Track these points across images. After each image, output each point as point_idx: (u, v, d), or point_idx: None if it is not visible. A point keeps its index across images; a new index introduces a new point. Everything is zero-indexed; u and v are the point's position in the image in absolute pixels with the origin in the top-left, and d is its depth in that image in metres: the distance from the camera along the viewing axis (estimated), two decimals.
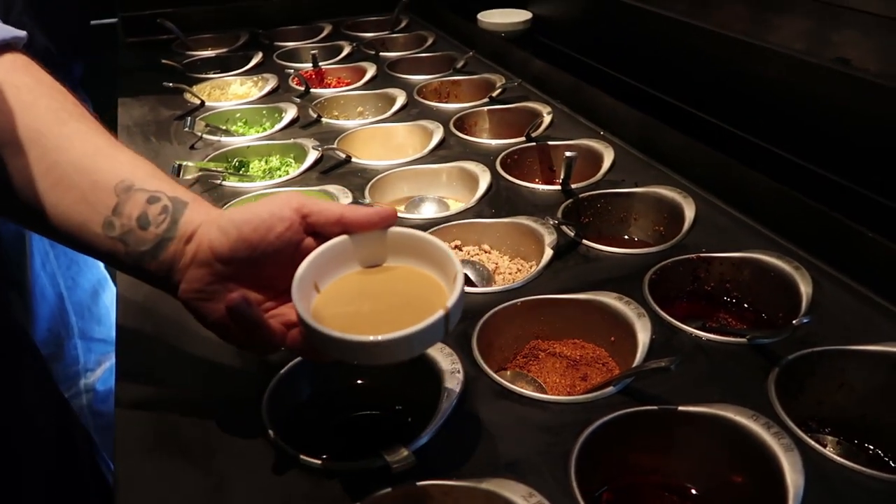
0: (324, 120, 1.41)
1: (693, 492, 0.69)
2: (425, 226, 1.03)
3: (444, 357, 0.75)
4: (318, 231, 0.62)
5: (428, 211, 1.16)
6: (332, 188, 1.13)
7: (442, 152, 1.27)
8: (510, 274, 0.98)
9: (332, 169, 1.22)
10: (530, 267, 0.99)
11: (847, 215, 0.88)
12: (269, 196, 0.62)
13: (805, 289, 0.85)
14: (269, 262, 0.60)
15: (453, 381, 0.72)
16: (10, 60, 0.63)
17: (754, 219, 1.00)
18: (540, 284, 0.90)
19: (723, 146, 1.11)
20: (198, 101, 1.49)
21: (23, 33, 0.66)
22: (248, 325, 0.57)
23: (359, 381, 0.80)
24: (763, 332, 0.77)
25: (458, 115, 1.41)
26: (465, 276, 0.95)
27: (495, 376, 0.75)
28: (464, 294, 0.57)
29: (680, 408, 0.68)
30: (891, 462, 0.74)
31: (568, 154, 1.07)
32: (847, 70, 1.02)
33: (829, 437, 0.78)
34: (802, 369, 0.75)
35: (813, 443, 0.65)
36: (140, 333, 0.82)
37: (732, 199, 1.04)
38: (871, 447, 0.76)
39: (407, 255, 0.63)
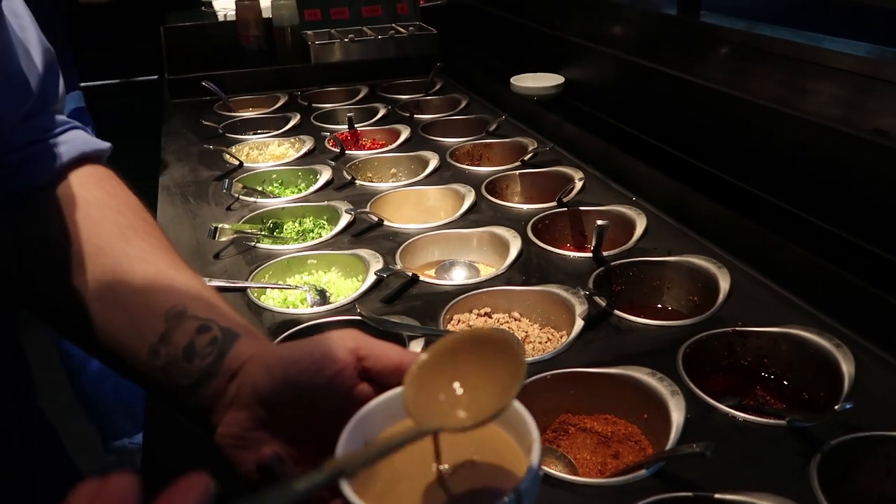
0: (357, 182, 1.44)
1: None
2: (455, 292, 1.03)
3: None
4: (374, 378, 0.53)
5: (458, 276, 1.16)
6: (363, 252, 1.14)
7: (473, 216, 1.28)
8: (540, 343, 0.97)
9: (365, 232, 1.23)
10: (561, 337, 0.98)
11: (890, 291, 0.85)
12: (324, 334, 0.55)
13: (847, 368, 0.82)
14: (316, 410, 0.53)
15: None
16: (87, 173, 0.64)
17: (792, 292, 0.98)
18: (570, 356, 0.88)
19: (758, 215, 1.10)
20: (236, 162, 1.54)
21: (106, 145, 0.66)
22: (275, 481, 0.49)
23: None
24: (803, 414, 0.75)
25: (489, 179, 1.42)
26: None
27: None
28: (540, 471, 0.47)
29: (717, 495, 0.66)
30: None
31: (599, 222, 1.06)
32: (885, 141, 1.01)
33: None
34: (846, 456, 0.72)
35: None
36: None
37: (768, 270, 1.02)
38: None
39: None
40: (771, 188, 1.21)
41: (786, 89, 1.24)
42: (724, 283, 1.01)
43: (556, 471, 0.80)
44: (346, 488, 0.44)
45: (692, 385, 0.81)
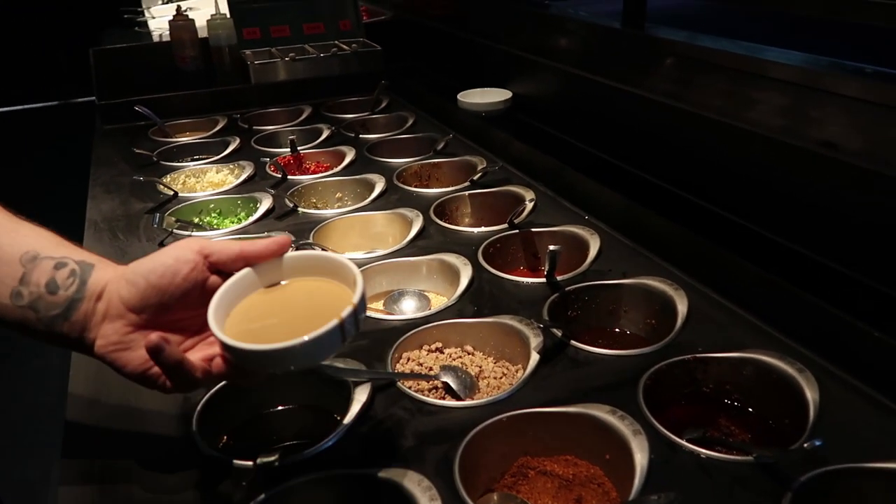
0: (300, 210, 1.37)
1: None
2: (404, 328, 0.97)
3: (421, 492, 0.68)
4: (221, 269, 0.67)
5: (408, 307, 1.10)
6: None
7: (422, 242, 1.22)
8: (495, 379, 0.92)
9: None
10: (516, 371, 0.93)
11: (851, 311, 0.83)
12: (170, 245, 0.68)
13: (811, 394, 0.79)
14: (179, 305, 0.65)
15: None
16: None
17: (751, 313, 0.95)
18: (527, 394, 0.83)
19: (712, 231, 1.07)
20: (171, 192, 1.45)
21: None
22: (170, 363, 0.60)
23: None
24: (770, 450, 0.71)
25: (438, 201, 1.37)
26: (447, 385, 0.88)
27: None
28: (364, 299, 0.63)
29: None
30: None
31: (552, 247, 1.02)
32: (835, 154, 0.99)
33: None
34: (817, 492, 0.68)
35: None
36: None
37: (725, 290, 0.99)
38: None
39: (309, 273, 0.68)
40: (724, 202, 1.18)
41: (731, 100, 1.22)
42: (682, 306, 0.97)
43: None
44: (214, 325, 0.61)
45: (655, 422, 0.77)
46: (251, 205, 1.41)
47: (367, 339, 0.95)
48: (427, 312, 1.02)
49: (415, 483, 0.69)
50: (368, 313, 1.01)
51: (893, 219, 0.91)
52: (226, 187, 1.51)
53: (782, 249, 1.05)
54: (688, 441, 0.76)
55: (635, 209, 1.17)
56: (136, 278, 0.64)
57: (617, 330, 1.06)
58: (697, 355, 0.88)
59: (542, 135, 1.66)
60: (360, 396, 0.82)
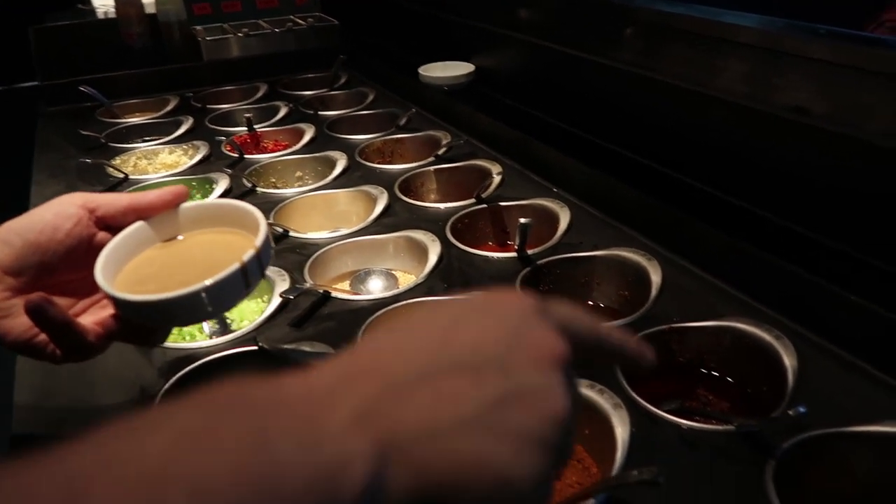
0: (259, 189, 1.31)
1: None
2: (372, 307, 0.93)
3: None
4: (109, 223, 0.61)
5: (375, 286, 1.06)
6: (267, 270, 1.02)
7: (387, 220, 1.18)
8: None
9: None
10: None
11: (825, 276, 0.82)
12: (51, 200, 0.61)
13: (789, 361, 0.78)
14: (65, 265, 0.59)
15: None
16: None
17: (726, 281, 0.93)
18: None
19: (683, 201, 1.05)
20: (121, 175, 1.38)
21: None
22: (56, 326, 0.55)
23: None
24: (751, 419, 0.69)
25: (403, 177, 1.33)
26: None
27: None
28: (268, 242, 0.58)
29: None
30: None
31: (522, 221, 0.99)
32: (806, 119, 0.98)
33: None
34: (800, 459, 0.67)
35: None
36: None
37: (699, 259, 0.97)
38: None
39: (209, 224, 0.63)
40: (694, 171, 1.17)
41: (697, 66, 1.20)
42: (655, 276, 0.95)
43: None
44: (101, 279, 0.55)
45: (634, 395, 0.75)
46: (207, 186, 1.35)
47: (334, 320, 0.92)
48: (395, 291, 0.98)
49: None
50: (336, 294, 0.97)
51: (863, 182, 0.90)
52: (180, 168, 1.44)
53: (755, 217, 1.04)
54: (667, 412, 0.74)
55: (604, 180, 1.15)
56: (11, 237, 0.58)
57: (590, 303, 1.04)
58: (673, 325, 0.86)
59: (506, 108, 1.63)
60: None
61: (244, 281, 0.56)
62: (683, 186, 1.16)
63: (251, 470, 0.24)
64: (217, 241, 0.62)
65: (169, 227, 0.63)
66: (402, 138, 1.53)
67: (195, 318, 0.59)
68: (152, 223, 0.62)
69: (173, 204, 0.62)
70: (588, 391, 0.74)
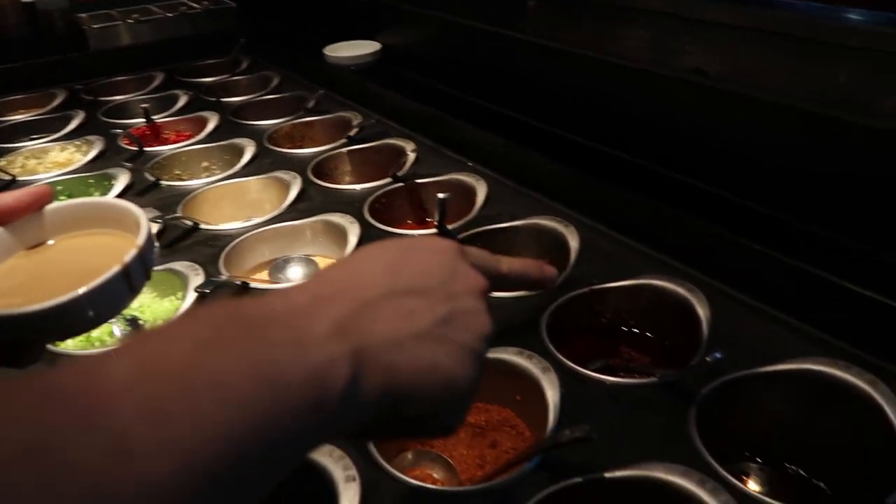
0: (164, 183, 1.25)
1: None
2: None
3: (334, 462, 0.64)
4: None
5: (295, 274, 1.04)
6: (178, 265, 0.98)
7: (303, 205, 1.15)
8: None
9: (178, 241, 1.06)
10: None
11: (731, 228, 0.86)
12: None
13: (703, 311, 0.81)
14: None
15: (349, 492, 0.60)
16: None
17: (640, 241, 0.96)
18: None
19: (595, 167, 1.07)
20: (8, 178, 1.28)
21: None
22: None
23: None
24: (672, 370, 0.72)
25: (316, 161, 1.30)
26: None
27: (398, 474, 0.64)
28: (151, 240, 0.54)
29: (607, 475, 0.61)
30: (814, 480, 0.71)
31: (440, 196, 0.99)
32: (706, 81, 1.02)
33: (752, 465, 0.74)
34: (717, 402, 0.71)
35: (755, 494, 0.60)
36: None
37: (614, 222, 1.00)
38: (794, 467, 0.73)
39: (81, 226, 0.57)
40: (602, 137, 1.20)
41: (601, 35, 1.23)
42: (574, 242, 0.98)
43: (435, 474, 0.73)
44: None
45: (561, 357, 0.77)
46: (105, 182, 1.27)
47: None
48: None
49: (325, 455, 0.64)
50: (255, 285, 0.94)
51: (761, 137, 0.95)
52: (74, 166, 1.35)
53: (663, 177, 1.08)
54: (593, 371, 0.76)
55: (518, 151, 1.16)
56: None
57: None
58: (593, 287, 0.88)
59: (416, 85, 1.61)
60: None
61: (127, 285, 0.51)
62: (595, 153, 1.19)
63: (259, 368, 0.29)
64: (92, 243, 0.57)
65: (34, 231, 0.57)
66: (311, 121, 1.50)
67: (74, 330, 0.54)
68: (13, 229, 0.56)
69: (35, 207, 0.55)
70: (517, 358, 0.76)
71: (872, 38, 0.86)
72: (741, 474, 0.73)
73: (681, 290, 0.85)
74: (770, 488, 0.71)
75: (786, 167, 0.94)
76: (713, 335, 0.78)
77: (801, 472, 0.72)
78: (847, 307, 0.75)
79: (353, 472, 0.63)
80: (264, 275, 1.04)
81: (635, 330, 0.89)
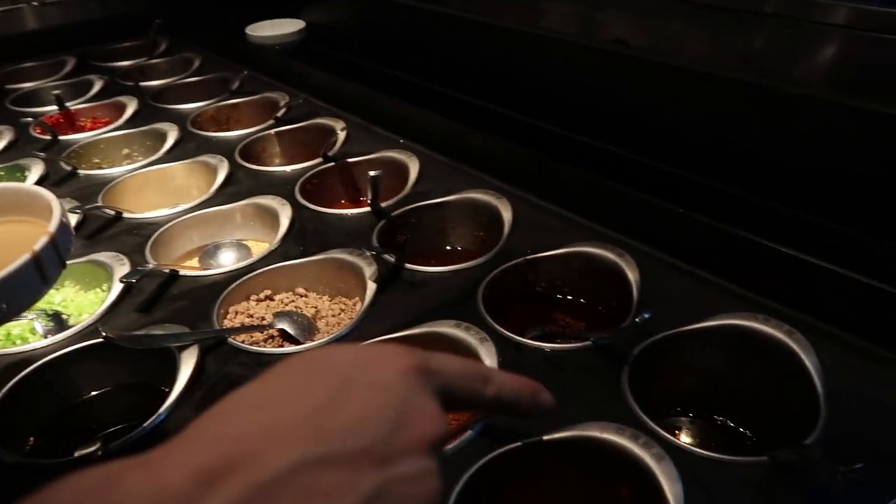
0: (81, 172, 1.20)
1: None
2: (226, 281, 0.89)
3: None
4: None
5: (227, 260, 1.01)
6: (102, 256, 0.94)
7: (231, 189, 1.12)
8: (333, 316, 0.88)
9: (100, 231, 1.02)
10: (354, 304, 0.89)
11: (655, 193, 0.88)
12: None
13: (632, 275, 0.84)
14: None
15: None
16: None
17: (570, 210, 0.98)
18: (370, 325, 0.80)
19: (524, 139, 1.09)
20: None
21: None
22: None
23: None
24: (605, 333, 0.74)
25: (243, 143, 1.26)
26: (284, 331, 0.83)
27: None
28: (66, 226, 0.52)
29: (545, 437, 0.63)
30: (740, 430, 0.75)
31: (372, 173, 0.98)
32: (627, 50, 1.04)
33: (683, 419, 0.77)
34: (649, 361, 0.73)
35: (685, 445, 0.62)
36: None
37: (545, 193, 1.02)
38: (722, 419, 0.76)
39: None
40: (532, 110, 1.21)
41: (527, 8, 1.23)
42: (507, 214, 0.99)
43: None
44: None
45: (499, 328, 0.78)
46: (18, 174, 1.21)
47: (186, 299, 0.86)
48: (250, 261, 0.94)
49: None
50: (184, 272, 0.92)
51: (681, 104, 0.98)
52: None
53: (588, 146, 1.10)
54: (531, 339, 0.78)
55: (448, 126, 1.16)
56: None
57: (448, 247, 1.05)
58: (527, 258, 0.90)
59: (343, 62, 1.59)
60: (188, 362, 0.74)
61: (39, 275, 0.48)
62: (523, 125, 1.20)
63: None
64: (1, 231, 0.54)
65: None
66: (236, 103, 1.45)
67: None
68: None
69: None
70: (455, 330, 0.76)
71: (785, 4, 0.89)
72: (673, 428, 0.76)
73: (610, 256, 0.87)
74: (700, 439, 0.75)
75: (706, 133, 0.97)
76: (643, 297, 0.81)
77: (729, 422, 0.76)
78: (764, 263, 0.78)
79: None
80: (195, 262, 1.02)
81: (569, 297, 0.91)
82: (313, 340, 0.82)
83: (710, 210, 0.84)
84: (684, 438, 0.75)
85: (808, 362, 0.69)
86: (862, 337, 0.72)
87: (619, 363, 0.72)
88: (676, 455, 0.60)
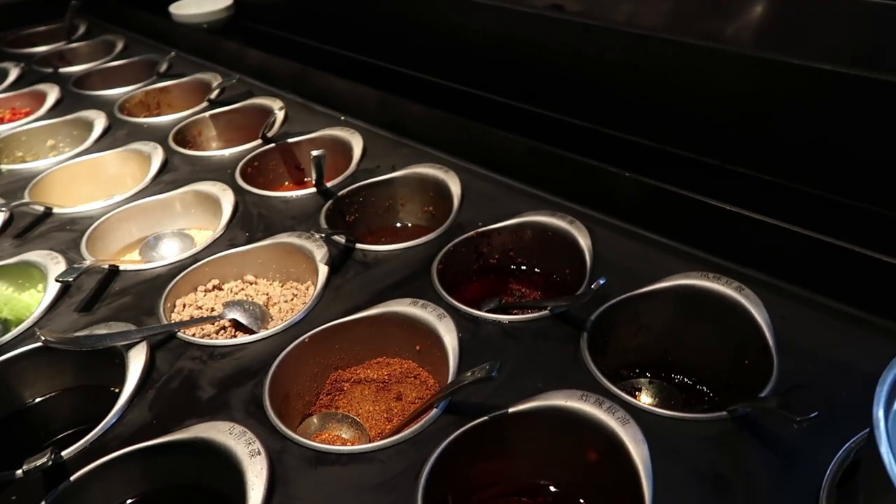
0: (3, 168, 1.13)
1: (552, 488, 0.65)
2: (170, 273, 0.86)
3: (235, 439, 0.61)
4: None
5: (169, 251, 0.98)
6: (34, 255, 0.89)
7: (168, 177, 1.08)
8: (286, 302, 0.85)
9: (30, 229, 0.97)
10: (307, 288, 0.87)
11: (601, 158, 0.89)
12: None
13: (584, 241, 0.84)
14: None
15: (256, 466, 0.59)
16: None
17: (519, 180, 0.98)
18: (324, 309, 0.79)
19: (469, 110, 1.07)
20: None
21: None
22: None
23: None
24: (562, 301, 0.75)
25: (176, 129, 1.21)
26: (236, 321, 0.81)
27: (304, 440, 0.63)
28: None
29: (511, 410, 0.63)
30: (698, 387, 0.77)
31: (315, 153, 0.95)
32: (563, 15, 1.03)
33: (642, 380, 0.79)
34: (605, 326, 0.74)
35: (647, 406, 0.63)
36: None
37: (492, 164, 1.01)
38: (680, 377, 0.78)
39: None
40: (474, 80, 1.20)
41: None
42: (455, 187, 0.98)
43: (344, 434, 0.73)
44: None
45: (455, 303, 0.77)
46: None
47: (129, 295, 0.83)
48: (194, 251, 0.90)
49: (225, 433, 0.62)
50: (125, 267, 0.88)
51: (621, 68, 0.98)
52: None
53: (532, 114, 1.10)
54: (488, 312, 0.78)
55: (391, 100, 1.14)
56: None
57: (398, 224, 1.04)
58: (479, 230, 0.89)
59: (277, 39, 1.54)
60: (137, 360, 0.71)
61: None
62: (466, 96, 1.19)
63: None
64: None
65: None
66: (166, 87, 1.39)
67: None
68: None
69: None
70: (412, 308, 0.75)
71: None
72: (634, 390, 0.77)
73: (561, 224, 0.87)
74: (660, 399, 0.76)
75: (643, 94, 0.98)
76: (596, 263, 0.82)
77: (687, 380, 0.78)
78: (710, 221, 0.80)
79: (257, 445, 0.60)
80: (135, 255, 0.98)
81: (523, 267, 0.91)
82: (267, 328, 0.80)
83: (657, 172, 0.85)
84: (644, 399, 0.76)
85: (759, 317, 0.70)
86: (810, 289, 0.74)
87: (578, 330, 0.72)
88: (640, 417, 0.61)
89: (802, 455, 0.58)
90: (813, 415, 0.53)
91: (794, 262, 0.74)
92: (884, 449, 0.44)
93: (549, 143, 0.94)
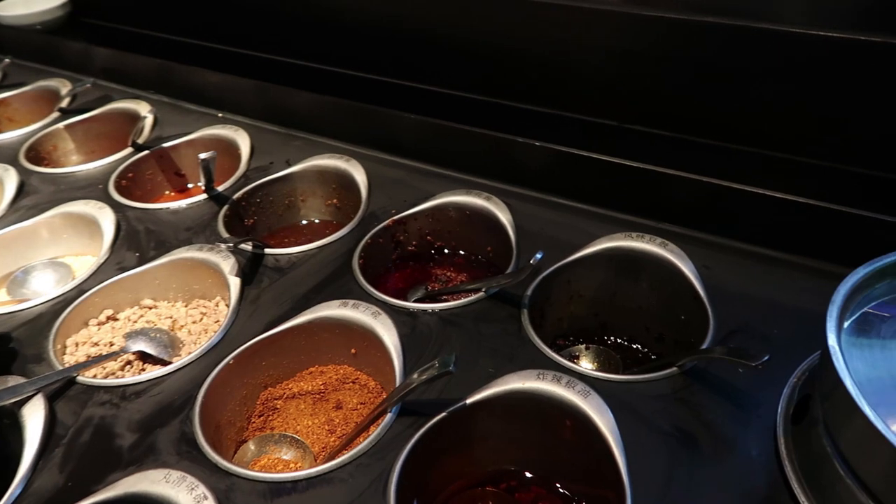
0: None
1: (528, 474, 0.64)
2: (54, 311, 0.75)
3: (172, 487, 0.54)
4: None
5: (44, 285, 0.86)
6: None
7: (28, 201, 0.95)
8: (195, 322, 0.77)
9: None
10: (216, 305, 0.79)
11: (506, 130, 0.87)
12: None
13: (504, 217, 0.83)
14: None
15: None
16: None
17: (426, 162, 0.95)
18: (244, 325, 0.72)
19: (361, 93, 1.02)
20: None
21: None
22: None
23: None
24: (494, 282, 0.72)
25: (27, 145, 1.07)
26: (143, 353, 0.72)
27: (252, 473, 0.57)
28: None
29: (468, 401, 0.60)
30: (633, 346, 0.78)
31: (203, 156, 0.87)
32: None
33: (579, 346, 0.79)
34: (540, 299, 0.73)
35: (604, 375, 0.62)
36: None
37: (394, 147, 0.97)
38: (613, 338, 0.79)
39: None
40: (355, 62, 1.14)
41: None
42: (360, 176, 0.93)
43: (285, 455, 0.67)
44: None
45: (386, 297, 0.73)
46: None
47: (8, 342, 0.71)
48: (77, 281, 0.80)
49: (160, 482, 0.55)
50: None
51: (526, 36, 0.96)
52: None
53: (427, 93, 1.06)
54: (416, 302, 0.74)
55: (272, 91, 1.06)
56: None
57: (304, 222, 0.98)
58: (394, 217, 0.85)
59: (127, 36, 1.40)
60: (34, 417, 0.62)
61: None
62: (353, 79, 1.13)
63: None
64: None
65: None
66: (5, 98, 1.22)
67: None
68: None
69: None
70: (342, 310, 0.70)
71: None
72: (572, 358, 0.77)
73: (479, 201, 0.85)
74: (600, 363, 0.76)
75: (540, 62, 0.97)
76: (520, 237, 0.80)
77: (620, 341, 0.79)
78: (622, 182, 0.80)
79: (202, 489, 0.54)
80: (3, 293, 0.85)
81: (445, 250, 0.88)
82: (180, 355, 0.72)
83: (563, 138, 0.85)
84: (585, 365, 0.76)
85: (686, 269, 0.72)
86: (728, 236, 0.76)
87: (517, 307, 0.71)
88: (599, 387, 0.60)
89: (752, 396, 0.60)
90: (766, 357, 0.55)
91: (706, 211, 0.76)
92: (848, 382, 0.46)
93: (449, 120, 0.92)
